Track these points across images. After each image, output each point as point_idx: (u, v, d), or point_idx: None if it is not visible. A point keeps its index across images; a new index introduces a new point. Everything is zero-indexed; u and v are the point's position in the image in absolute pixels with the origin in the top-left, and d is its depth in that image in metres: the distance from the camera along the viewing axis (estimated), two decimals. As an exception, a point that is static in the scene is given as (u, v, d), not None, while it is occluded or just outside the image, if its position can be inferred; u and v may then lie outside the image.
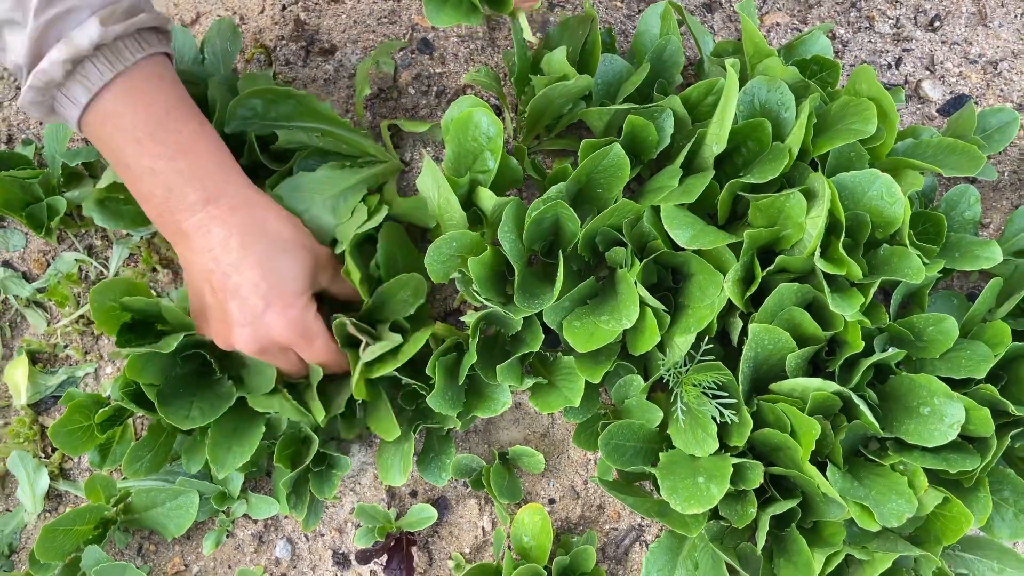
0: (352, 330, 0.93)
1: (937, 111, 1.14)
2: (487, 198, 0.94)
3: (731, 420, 0.90)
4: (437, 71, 1.19)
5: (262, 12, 1.26)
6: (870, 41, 1.20)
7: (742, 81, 0.98)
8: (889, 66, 1.17)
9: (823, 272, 0.88)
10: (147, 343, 0.92)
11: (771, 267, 0.89)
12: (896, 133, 0.94)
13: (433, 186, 0.96)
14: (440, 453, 1.05)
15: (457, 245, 0.92)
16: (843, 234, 0.89)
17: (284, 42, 1.22)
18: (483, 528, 1.08)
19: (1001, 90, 1.15)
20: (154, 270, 1.12)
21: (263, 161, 1.02)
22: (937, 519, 0.90)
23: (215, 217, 0.86)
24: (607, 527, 1.08)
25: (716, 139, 0.94)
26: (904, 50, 1.19)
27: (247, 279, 0.87)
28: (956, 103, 1.13)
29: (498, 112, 1.16)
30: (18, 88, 1.22)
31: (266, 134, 1.03)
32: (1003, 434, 0.89)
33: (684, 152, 0.97)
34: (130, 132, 0.82)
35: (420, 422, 1.02)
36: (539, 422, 1.11)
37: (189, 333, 0.95)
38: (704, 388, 0.92)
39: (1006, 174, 1.11)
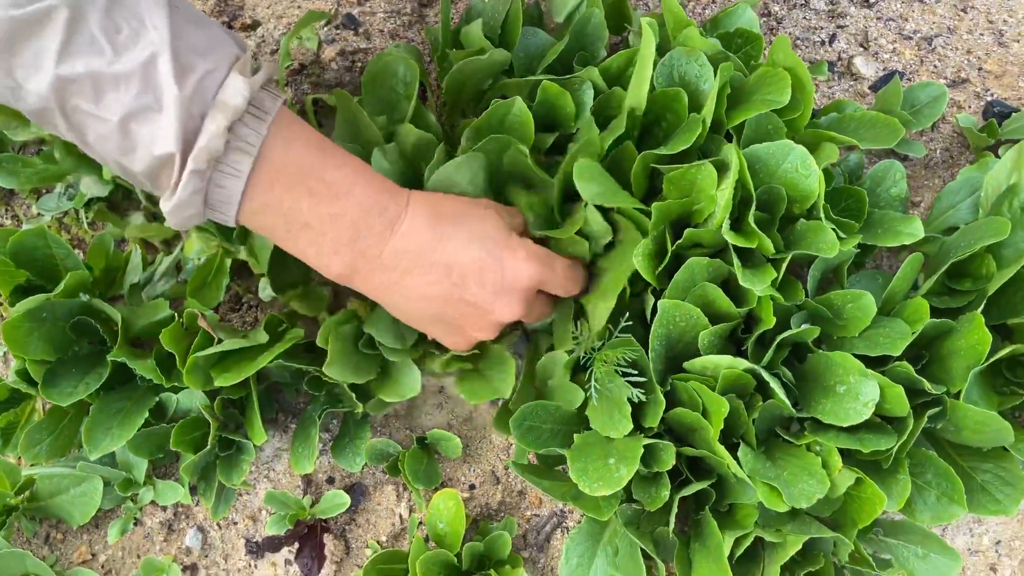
0: (204, 325, 0.90)
1: (869, 88, 1.11)
2: (408, 132, 0.91)
3: (638, 399, 0.87)
4: (362, 47, 1.16)
5: (187, -11, 1.23)
6: (804, 18, 1.18)
7: (663, 53, 0.95)
8: (823, 43, 1.15)
9: (733, 246, 0.85)
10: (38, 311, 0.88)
11: (681, 240, 0.86)
12: (812, 105, 0.91)
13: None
14: (355, 438, 1.02)
15: None
16: (754, 207, 0.86)
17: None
18: (400, 515, 1.05)
19: (935, 66, 1.12)
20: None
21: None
22: (852, 501, 0.87)
23: (406, 234, 0.79)
24: (528, 513, 1.05)
25: (634, 100, 0.91)
26: (838, 27, 1.16)
27: (468, 262, 0.81)
28: (888, 80, 1.10)
29: (422, 94, 1.13)
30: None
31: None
32: (920, 414, 0.87)
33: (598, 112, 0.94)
34: (301, 185, 0.73)
35: (327, 407, 0.99)
36: (463, 407, 1.08)
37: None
38: (616, 366, 0.90)
39: (938, 152, 1.08)
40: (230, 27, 1.19)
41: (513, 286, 0.83)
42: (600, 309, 0.90)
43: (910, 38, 1.14)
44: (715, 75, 0.93)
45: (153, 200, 1.10)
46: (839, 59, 1.13)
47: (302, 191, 0.74)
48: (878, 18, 1.16)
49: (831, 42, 1.15)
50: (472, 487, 1.05)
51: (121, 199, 1.12)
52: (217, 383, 0.92)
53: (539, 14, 1.17)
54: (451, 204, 0.84)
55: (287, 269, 0.98)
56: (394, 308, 0.86)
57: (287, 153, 0.72)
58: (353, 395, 0.95)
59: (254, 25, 1.18)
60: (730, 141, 0.92)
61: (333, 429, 1.07)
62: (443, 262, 0.80)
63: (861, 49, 1.14)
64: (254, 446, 0.99)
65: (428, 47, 1.16)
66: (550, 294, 0.91)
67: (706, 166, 0.86)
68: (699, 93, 0.94)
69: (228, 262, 1.03)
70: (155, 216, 1.12)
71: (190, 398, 1.00)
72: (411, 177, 0.93)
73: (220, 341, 0.94)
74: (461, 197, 0.87)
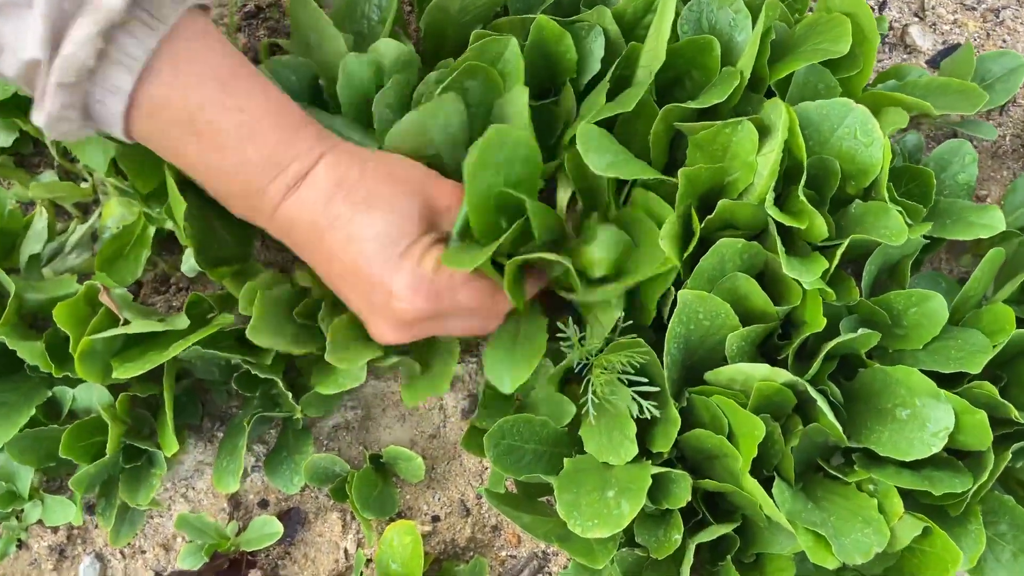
0: (107, 300, 0.72)
1: (927, 62, 0.94)
2: (387, 47, 0.73)
3: (651, 414, 0.69)
4: (329, -10, 0.99)
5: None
6: (849, -17, 1.01)
7: (689, -1, 0.78)
8: (872, 9, 0.98)
9: (776, 224, 0.67)
10: None
11: (711, 216, 0.68)
12: (874, 61, 0.74)
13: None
14: (294, 452, 0.83)
15: None
16: (804, 178, 0.68)
17: (150, -49, 1.01)
18: (346, 550, 0.85)
19: (1004, 40, 0.95)
20: None
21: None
22: (914, 556, 0.68)
23: (299, 203, 0.65)
24: (503, 553, 0.86)
25: (652, 56, 0.74)
26: (889, -7, 1.00)
27: (348, 263, 0.66)
28: (949, 54, 0.94)
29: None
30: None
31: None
32: (1002, 448, 0.69)
33: (612, 69, 0.76)
34: (187, 124, 0.61)
35: (260, 411, 0.80)
36: (429, 420, 0.89)
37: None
38: (620, 373, 0.71)
39: (1007, 139, 0.91)
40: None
41: (390, 315, 0.67)
42: (604, 319, 0.72)
43: (973, 8, 0.98)
44: (751, 25, 0.76)
45: (68, 155, 0.92)
46: (891, 29, 0.97)
47: (187, 131, 0.61)
48: (935, -14, 1.00)
49: (881, 9, 0.98)
50: (436, 519, 0.86)
51: (32, 152, 0.94)
52: (117, 374, 0.73)
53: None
54: (369, 180, 0.66)
55: (219, 240, 0.79)
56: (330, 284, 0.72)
57: (176, 79, 0.59)
58: (289, 394, 0.76)
59: (206, -40, 1.00)
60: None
61: (270, 441, 0.88)
62: (328, 250, 0.66)
63: (916, 19, 0.97)
64: (166, 458, 0.80)
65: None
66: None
67: (744, 124, 0.68)
68: (733, 45, 0.77)
69: (151, 231, 0.84)
70: (69, 174, 0.93)
71: (89, 394, 0.81)
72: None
73: (127, 323, 0.75)
74: (395, 171, 0.68)
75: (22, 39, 0.54)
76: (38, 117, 0.57)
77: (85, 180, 0.92)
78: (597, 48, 0.78)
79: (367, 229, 0.64)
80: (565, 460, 0.73)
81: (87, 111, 0.58)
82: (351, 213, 0.64)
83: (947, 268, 0.88)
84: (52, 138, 0.60)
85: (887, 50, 0.96)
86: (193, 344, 0.74)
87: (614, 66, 0.75)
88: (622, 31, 0.80)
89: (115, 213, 0.89)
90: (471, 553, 0.86)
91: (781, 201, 0.71)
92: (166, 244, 0.90)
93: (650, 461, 0.72)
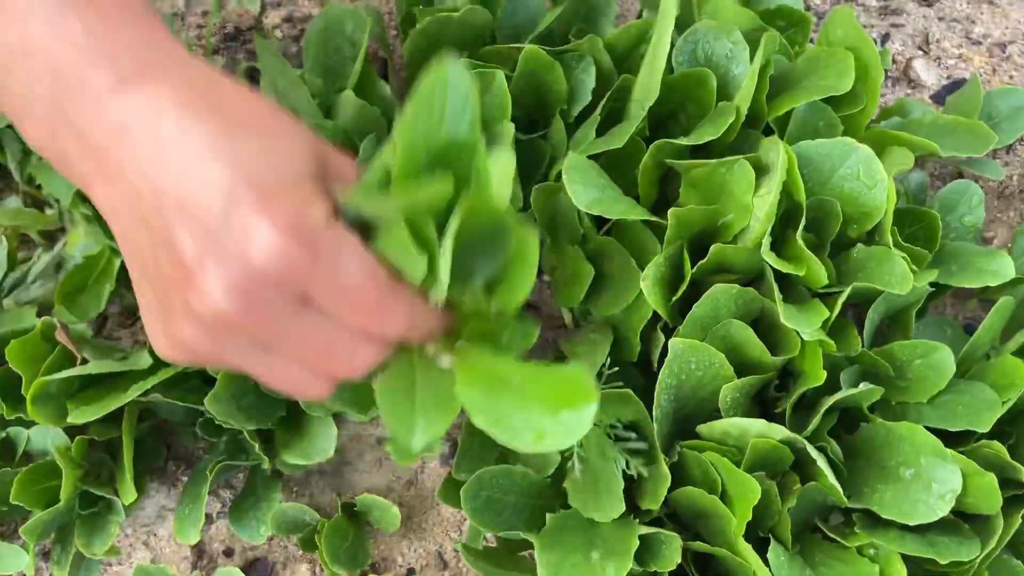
0: (63, 338, 0.68)
1: (931, 97, 0.91)
2: (346, 102, 0.69)
3: (638, 474, 0.64)
4: (313, 12, 0.95)
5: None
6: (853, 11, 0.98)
7: (687, 27, 0.75)
8: (874, 42, 0.95)
9: (773, 270, 0.63)
10: None
11: (704, 261, 0.64)
12: (878, 98, 0.70)
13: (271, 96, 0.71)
14: (261, 499, 0.79)
15: None
16: (803, 222, 0.65)
17: (127, -30, 0.98)
18: (315, 604, 0.81)
19: (1011, 76, 0.92)
20: None
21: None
22: (919, 628, 0.64)
23: (134, 106, 0.44)
24: (482, 610, 0.81)
25: (646, 89, 0.70)
26: (893, 25, 0.96)
27: (195, 181, 0.43)
28: (954, 89, 0.90)
29: (382, 70, 0.91)
30: None
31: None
32: (1012, 511, 0.64)
33: (603, 102, 0.73)
34: None
35: (225, 458, 0.75)
36: (406, 466, 0.84)
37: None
38: (607, 427, 0.67)
39: (1014, 178, 0.88)
40: (157, -18, 0.97)
41: (238, 256, 0.42)
42: (588, 363, 0.68)
43: (979, 43, 0.94)
44: (750, 57, 0.72)
45: (33, 182, 0.88)
46: (894, 62, 0.93)
47: None
48: (940, 18, 0.96)
49: (883, 42, 0.95)
50: (411, 571, 0.81)
51: (-5, 178, 0.90)
52: (72, 418, 0.69)
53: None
54: (245, 100, 0.47)
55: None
56: (121, 246, 0.49)
57: None
58: (256, 445, 0.72)
59: (185, -20, 0.97)
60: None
61: (237, 485, 0.83)
62: (159, 174, 0.43)
63: (920, 52, 0.94)
64: (124, 506, 0.75)
65: (395, 15, 0.95)
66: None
67: (741, 164, 0.64)
68: (730, 78, 0.73)
69: (116, 263, 0.80)
70: (35, 201, 0.89)
71: (45, 435, 0.76)
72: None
73: (84, 362, 0.71)
74: (286, 117, 0.48)
75: None
76: None
77: (51, 207, 0.88)
78: (588, 79, 0.75)
79: (233, 150, 0.43)
80: (548, 515, 0.68)
81: None
82: (218, 127, 0.44)
83: (952, 312, 0.84)
84: None
85: (890, 84, 0.93)
86: (154, 387, 0.69)
87: (605, 99, 0.72)
88: (615, 61, 0.77)
89: (81, 242, 0.86)
90: (448, 609, 0.81)
91: (779, 244, 0.67)
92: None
93: (638, 519, 0.68)
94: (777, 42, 0.69)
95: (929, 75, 0.92)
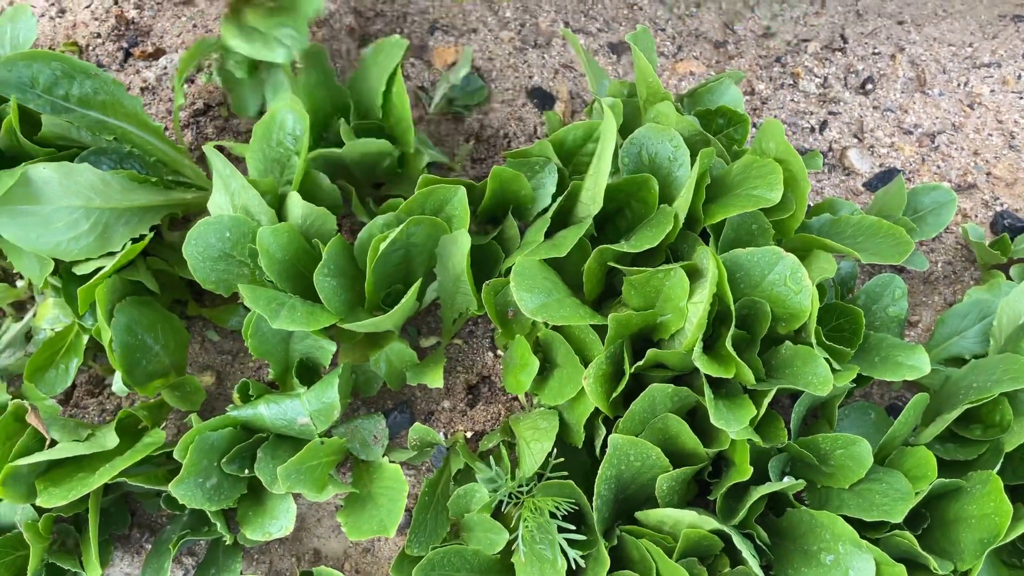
0: (34, 421, 0.71)
1: (864, 185, 0.97)
2: (295, 204, 0.73)
3: (576, 563, 0.69)
4: (281, 91, 0.99)
5: (88, 6, 1.05)
6: (793, 100, 1.04)
7: (632, 128, 0.80)
8: (812, 129, 1.01)
9: (705, 375, 0.68)
10: None
11: (641, 362, 0.69)
12: (806, 205, 0.76)
13: (225, 197, 0.75)
14: (221, 570, 0.82)
15: (232, 235, 0.71)
16: (733, 325, 0.70)
17: (100, 40, 1.01)
18: (273, 669, 0.84)
19: (938, 167, 0.98)
20: None
21: (26, 148, 0.78)
22: None
23: None
24: (434, 674, 0.85)
25: (592, 196, 0.75)
26: (830, 113, 1.02)
27: None
28: (885, 178, 0.96)
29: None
30: None
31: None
32: (922, 597, 0.70)
33: (554, 206, 0.78)
34: None
35: (188, 532, 0.78)
36: (364, 530, 0.88)
37: None
38: (551, 514, 0.71)
39: (939, 265, 0.94)
40: (127, 54, 1.00)
41: None
42: (535, 450, 0.72)
43: (910, 132, 1.01)
44: (691, 160, 0.78)
45: (4, 255, 0.90)
46: (831, 149, 0.99)
47: None
48: (875, 107, 1.03)
49: (821, 130, 1.01)
50: (366, 637, 0.85)
51: (-34, 250, 0.92)
52: (41, 502, 0.72)
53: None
54: None
55: (149, 356, 0.78)
56: None
57: None
58: (217, 523, 0.75)
59: (157, 54, 1.00)
60: (706, 240, 0.76)
61: (200, 552, 0.86)
62: None
63: (855, 140, 1.00)
64: (88, 578, 0.78)
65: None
66: None
67: (676, 272, 0.69)
68: (671, 180, 0.78)
69: (83, 340, 0.83)
70: (5, 274, 0.91)
71: (12, 509, 0.79)
72: (309, 261, 0.75)
73: (53, 443, 0.74)
74: None
75: None
76: None
77: (21, 279, 0.91)
78: (549, 183, 0.80)
79: None
80: (494, 592, 0.73)
81: None
82: None
83: (880, 392, 0.89)
84: None
85: (827, 171, 0.99)
86: (121, 471, 0.72)
87: (556, 204, 0.76)
88: (563, 158, 0.82)
89: (50, 314, 0.88)
90: (401, 674, 0.85)
91: (712, 343, 0.72)
92: (101, 346, 0.89)
93: (578, 599, 0.72)
94: (712, 156, 0.74)
95: (863, 163, 0.98)
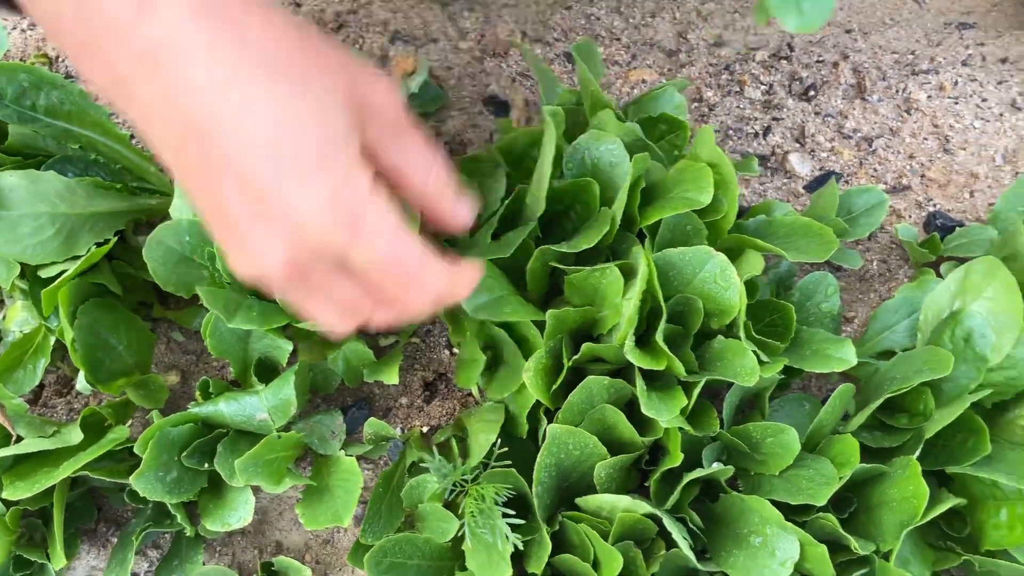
0: (2, 418, 0.74)
1: (804, 188, 1.01)
2: None
3: (516, 545, 0.73)
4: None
5: (57, 20, 1.08)
6: (739, 106, 1.08)
7: (578, 132, 0.84)
8: (756, 135, 1.05)
9: (638, 367, 0.72)
10: None
11: (577, 356, 0.73)
12: (736, 206, 0.80)
13: (184, 201, 0.78)
14: (184, 561, 0.85)
15: (192, 239, 0.75)
16: (663, 321, 0.74)
17: (69, 54, 1.04)
18: (236, 657, 0.87)
19: (875, 170, 1.03)
20: None
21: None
22: None
23: (163, 29, 0.44)
24: (391, 660, 0.88)
25: (535, 199, 0.79)
26: (774, 119, 1.07)
27: (245, 134, 0.46)
28: (824, 180, 1.01)
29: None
30: None
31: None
32: (846, 574, 0.74)
33: (501, 209, 0.81)
34: None
35: (151, 524, 0.82)
36: (325, 523, 0.91)
37: None
38: (492, 502, 0.75)
39: (875, 263, 0.98)
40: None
41: (285, 229, 0.48)
42: (481, 440, 0.76)
43: (849, 137, 1.05)
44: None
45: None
46: (773, 154, 1.04)
47: None
48: (816, 113, 1.07)
49: (765, 135, 1.05)
50: (326, 625, 0.89)
51: (-62, 254, 0.95)
52: (7, 495, 0.75)
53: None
54: (294, 44, 0.48)
55: (113, 356, 0.82)
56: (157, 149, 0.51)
57: None
58: (178, 515, 0.78)
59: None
60: (644, 241, 0.80)
61: (165, 546, 0.89)
62: (210, 114, 0.45)
63: (797, 145, 1.04)
64: (55, 571, 0.81)
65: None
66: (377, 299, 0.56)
67: (611, 271, 0.73)
68: (612, 183, 0.82)
69: (51, 341, 0.86)
70: (-25, 277, 0.94)
71: (-20, 505, 0.82)
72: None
73: (19, 439, 0.77)
74: (320, 45, 0.50)
75: None
76: None
77: (-9, 283, 0.94)
78: (498, 187, 0.83)
79: (282, 108, 0.46)
80: (445, 577, 0.76)
81: None
82: (268, 81, 0.45)
83: (817, 384, 0.94)
84: None
85: (770, 174, 1.03)
86: (84, 465, 0.76)
87: (503, 207, 0.80)
88: (512, 164, 0.86)
89: (19, 317, 0.91)
90: (359, 660, 0.88)
91: (645, 340, 0.76)
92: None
93: (522, 583, 0.76)
94: (646, 161, 0.78)
95: (803, 167, 1.02)
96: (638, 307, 0.71)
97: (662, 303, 0.73)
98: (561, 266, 0.76)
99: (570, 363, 0.73)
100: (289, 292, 0.54)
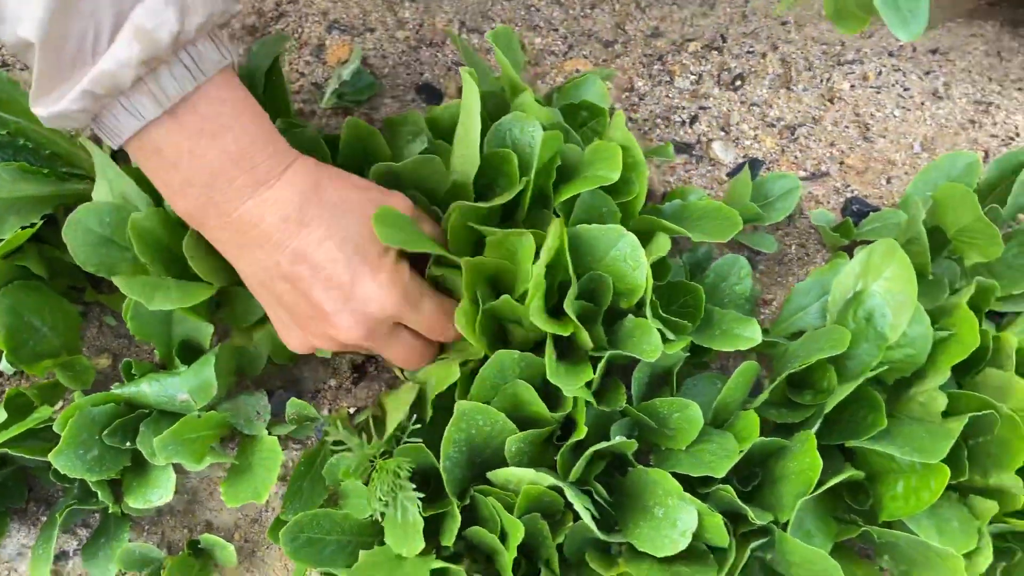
0: None
1: (727, 174, 1.04)
2: None
3: (418, 516, 0.75)
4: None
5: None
6: (668, 96, 1.11)
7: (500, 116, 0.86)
8: (683, 123, 1.08)
9: (548, 333, 0.75)
10: None
11: (497, 302, 0.75)
12: (646, 187, 0.82)
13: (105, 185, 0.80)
14: (111, 539, 0.87)
15: (112, 220, 0.77)
16: (574, 291, 0.76)
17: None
18: (162, 633, 0.89)
19: (795, 157, 1.06)
20: None
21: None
22: (664, 645, 0.75)
23: (268, 202, 0.69)
24: (317, 635, 0.90)
25: (464, 161, 0.81)
26: (701, 108, 1.09)
27: (321, 261, 0.71)
28: (744, 167, 1.03)
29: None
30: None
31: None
32: (743, 544, 0.76)
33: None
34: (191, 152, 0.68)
35: (76, 502, 0.83)
36: (252, 505, 0.93)
37: None
38: (397, 473, 0.77)
39: (793, 248, 1.01)
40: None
41: (361, 309, 0.73)
42: (394, 417, 0.78)
43: (773, 125, 1.08)
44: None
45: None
46: (699, 142, 1.06)
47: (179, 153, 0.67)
48: (742, 102, 1.10)
49: (692, 123, 1.08)
50: (251, 601, 0.90)
51: None
52: (-77, 471, 0.76)
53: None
54: (339, 188, 0.73)
55: (37, 336, 0.83)
56: (241, 273, 0.76)
57: (193, 135, 0.66)
58: (100, 492, 0.80)
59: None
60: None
61: (94, 524, 0.91)
62: (295, 249, 0.70)
63: (722, 133, 1.07)
64: (-20, 546, 0.82)
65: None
66: (432, 341, 0.82)
67: (526, 235, 0.75)
68: (530, 163, 0.84)
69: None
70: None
71: (-96, 485, 0.83)
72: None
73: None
74: (357, 182, 0.76)
75: (20, 13, 0.56)
76: (43, 108, 0.61)
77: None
78: (419, 148, 0.86)
79: (343, 230, 0.71)
80: (361, 552, 0.78)
81: (98, 118, 0.63)
82: (329, 214, 0.71)
83: (735, 364, 0.96)
84: (47, 125, 0.63)
85: (695, 162, 1.06)
86: (6, 442, 0.77)
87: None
88: (439, 135, 0.88)
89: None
90: (285, 635, 0.90)
91: (557, 311, 0.78)
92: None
93: (436, 556, 0.78)
94: (559, 139, 0.80)
95: (727, 154, 1.05)
96: (545, 273, 0.73)
97: (571, 274, 0.75)
98: (479, 226, 0.78)
99: (486, 306, 0.75)
100: (363, 347, 0.78)
